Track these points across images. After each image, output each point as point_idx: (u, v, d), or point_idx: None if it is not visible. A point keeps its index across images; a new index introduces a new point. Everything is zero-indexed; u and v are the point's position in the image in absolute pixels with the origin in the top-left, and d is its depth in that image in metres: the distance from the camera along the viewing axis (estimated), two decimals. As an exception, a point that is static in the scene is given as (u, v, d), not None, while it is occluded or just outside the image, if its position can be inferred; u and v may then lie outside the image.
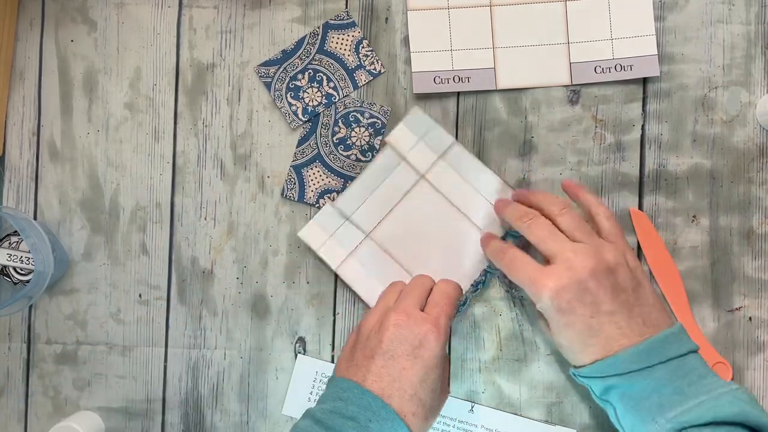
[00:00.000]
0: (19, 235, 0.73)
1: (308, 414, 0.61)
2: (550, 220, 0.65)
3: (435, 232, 0.72)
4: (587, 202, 0.67)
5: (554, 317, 0.62)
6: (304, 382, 0.73)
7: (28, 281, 0.72)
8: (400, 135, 0.72)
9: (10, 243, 0.73)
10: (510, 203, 0.69)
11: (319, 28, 0.74)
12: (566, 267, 0.61)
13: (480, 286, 0.72)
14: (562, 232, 0.64)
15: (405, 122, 0.72)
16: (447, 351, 0.68)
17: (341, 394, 0.60)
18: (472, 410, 0.73)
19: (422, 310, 0.64)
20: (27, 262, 0.72)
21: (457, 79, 0.73)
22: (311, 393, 0.73)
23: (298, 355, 0.74)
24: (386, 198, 0.72)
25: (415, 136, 0.72)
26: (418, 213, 0.72)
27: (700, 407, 0.57)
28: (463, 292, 0.70)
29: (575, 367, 0.64)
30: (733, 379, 0.72)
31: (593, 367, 0.61)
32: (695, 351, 0.61)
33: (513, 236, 0.70)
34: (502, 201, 0.71)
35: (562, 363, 0.73)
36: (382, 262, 0.72)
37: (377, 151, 0.74)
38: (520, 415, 0.72)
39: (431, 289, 0.67)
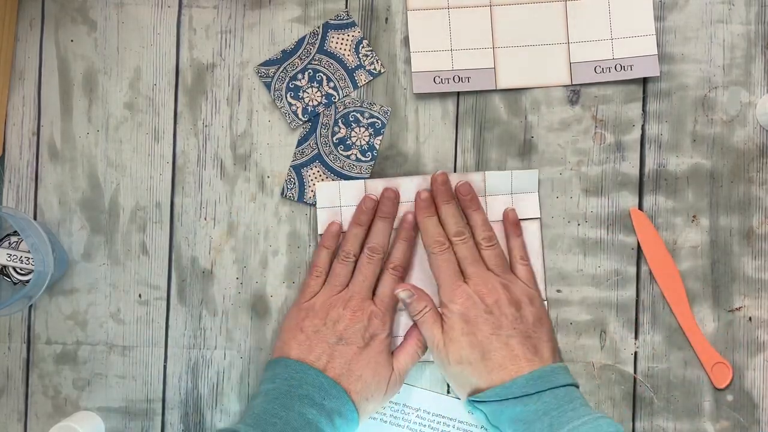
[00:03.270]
0: (19, 235, 0.73)
1: (261, 395, 0.67)
2: (477, 246, 0.72)
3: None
4: (513, 247, 0.73)
5: (458, 325, 0.68)
6: (304, 382, 0.73)
7: (28, 281, 0.72)
8: (323, 219, 0.73)
9: (10, 243, 0.73)
10: (449, 202, 0.72)
11: (319, 28, 0.74)
12: (476, 290, 0.69)
13: None
14: (483, 260, 0.71)
15: (318, 206, 0.73)
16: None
17: (294, 374, 0.67)
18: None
19: (373, 294, 0.71)
20: (27, 262, 0.72)
21: (457, 79, 0.73)
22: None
23: (298, 355, 0.74)
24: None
25: (336, 208, 0.73)
26: None
27: (585, 425, 0.63)
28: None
29: (470, 394, 0.68)
30: (733, 379, 0.73)
31: (492, 391, 0.66)
32: (577, 386, 0.68)
33: None
34: (426, 199, 0.72)
35: (562, 363, 0.73)
36: None
37: (377, 152, 0.74)
38: (520, 415, 0.72)
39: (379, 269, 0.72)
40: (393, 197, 0.72)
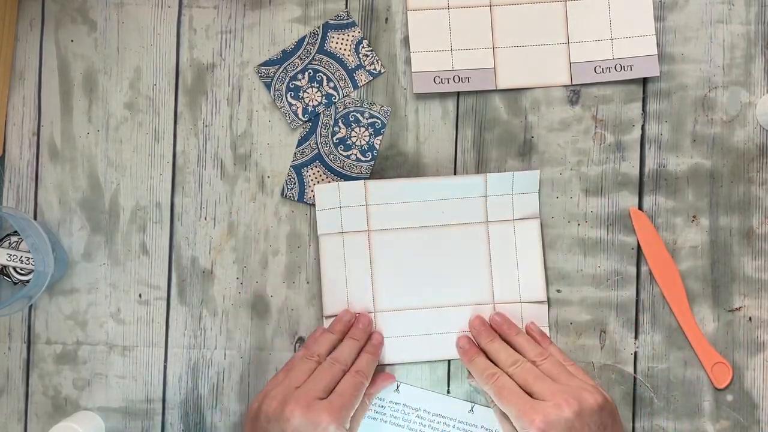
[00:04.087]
0: (19, 235, 0.73)
1: None
2: (533, 363, 0.68)
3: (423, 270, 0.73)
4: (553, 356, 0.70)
5: None
6: (304, 382, 0.73)
7: (28, 281, 0.72)
8: (322, 220, 0.73)
9: (10, 243, 0.73)
10: (493, 340, 0.71)
11: (319, 28, 0.74)
12: (554, 405, 0.63)
13: None
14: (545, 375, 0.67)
15: (317, 208, 0.73)
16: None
17: None
18: (472, 410, 0.73)
19: (327, 395, 0.66)
20: (27, 262, 0.72)
21: (457, 79, 0.73)
22: (311, 393, 0.73)
23: (298, 355, 0.74)
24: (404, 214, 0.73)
25: (335, 210, 0.73)
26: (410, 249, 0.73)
27: None
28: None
29: None
30: (733, 379, 0.72)
31: None
32: None
33: None
34: (464, 346, 0.72)
35: (562, 363, 0.73)
36: (359, 266, 0.73)
37: (377, 152, 0.74)
38: (520, 415, 0.72)
39: (343, 371, 0.68)
40: (367, 324, 0.72)
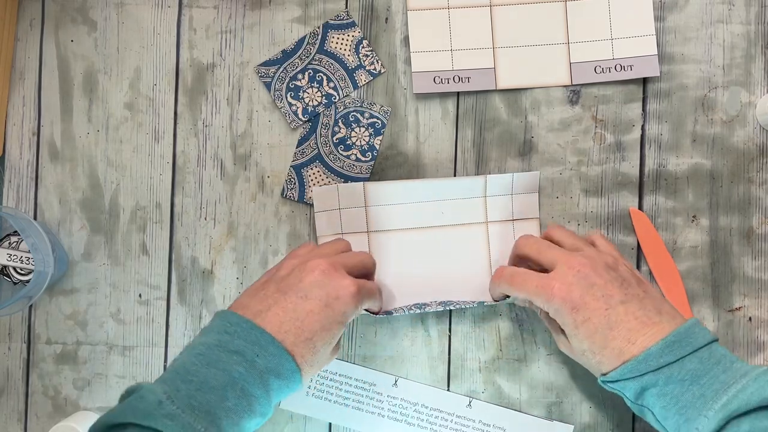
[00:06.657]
0: (19, 235, 0.73)
1: (188, 348, 0.60)
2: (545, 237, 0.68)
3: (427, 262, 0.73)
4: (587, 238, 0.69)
5: (569, 318, 0.61)
6: (304, 382, 0.73)
7: (28, 281, 0.72)
8: (321, 222, 0.73)
9: (10, 243, 0.73)
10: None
11: (319, 28, 0.74)
12: (567, 267, 0.62)
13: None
14: (557, 244, 0.66)
15: (316, 210, 0.73)
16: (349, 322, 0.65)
17: (228, 328, 0.59)
18: (470, 405, 0.73)
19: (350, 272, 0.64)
20: (27, 262, 0.72)
21: (457, 79, 0.73)
22: (309, 387, 0.73)
23: (298, 355, 0.74)
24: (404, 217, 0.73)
25: (335, 211, 0.73)
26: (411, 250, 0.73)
27: (744, 392, 0.55)
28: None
29: (603, 374, 0.62)
30: (733, 379, 0.73)
31: (626, 367, 0.59)
32: (717, 340, 0.60)
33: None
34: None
35: (562, 363, 0.73)
36: None
37: (377, 152, 0.74)
38: (518, 410, 0.72)
39: (366, 271, 0.67)
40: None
